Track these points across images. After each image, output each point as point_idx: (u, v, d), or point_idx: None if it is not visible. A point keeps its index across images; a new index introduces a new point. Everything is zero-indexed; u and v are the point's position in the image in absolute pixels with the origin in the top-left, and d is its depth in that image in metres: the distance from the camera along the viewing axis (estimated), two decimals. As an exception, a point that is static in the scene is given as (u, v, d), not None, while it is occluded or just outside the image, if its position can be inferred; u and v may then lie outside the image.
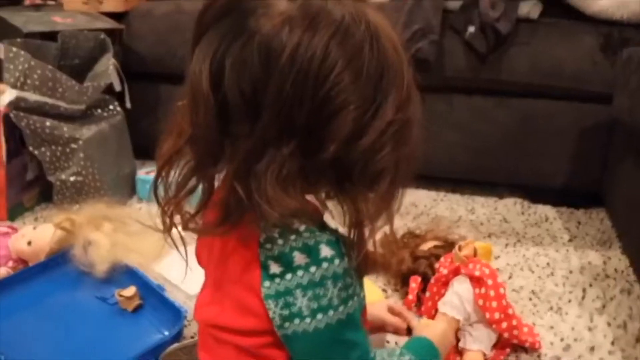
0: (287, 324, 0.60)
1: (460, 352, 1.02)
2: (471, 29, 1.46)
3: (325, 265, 0.58)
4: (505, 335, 1.01)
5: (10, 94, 1.35)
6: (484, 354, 1.01)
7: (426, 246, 1.22)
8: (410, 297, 1.15)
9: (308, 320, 0.59)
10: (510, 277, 1.26)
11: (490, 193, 1.63)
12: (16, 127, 1.41)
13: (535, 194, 1.57)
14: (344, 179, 0.59)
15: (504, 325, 1.00)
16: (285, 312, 0.59)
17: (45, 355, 1.04)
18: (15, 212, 1.54)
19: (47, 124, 1.40)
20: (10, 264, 1.27)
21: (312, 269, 0.58)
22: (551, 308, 1.17)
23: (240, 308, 0.63)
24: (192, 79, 0.56)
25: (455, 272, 1.07)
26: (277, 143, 0.55)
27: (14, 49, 1.34)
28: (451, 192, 1.65)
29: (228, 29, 0.55)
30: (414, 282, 1.16)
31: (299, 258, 0.58)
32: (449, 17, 1.48)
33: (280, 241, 0.59)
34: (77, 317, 1.14)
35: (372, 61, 0.56)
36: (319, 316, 0.59)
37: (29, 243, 1.26)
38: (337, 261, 0.59)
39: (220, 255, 0.66)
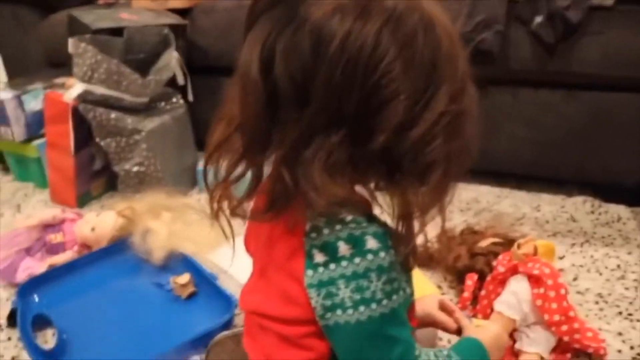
0: (328, 315, 0.59)
1: (516, 353, 0.97)
2: (538, 18, 1.38)
3: (370, 257, 0.57)
4: (566, 338, 0.95)
5: (79, 87, 1.41)
6: (542, 357, 0.96)
7: (484, 243, 1.17)
8: (465, 294, 1.10)
9: (350, 311, 0.58)
10: (575, 279, 1.19)
11: (558, 190, 1.54)
12: (84, 119, 1.48)
13: (606, 192, 1.47)
14: (393, 170, 0.58)
15: (564, 328, 0.94)
16: (328, 302, 0.58)
17: (102, 335, 1.08)
18: (83, 200, 1.61)
19: (112, 115, 1.46)
20: (76, 248, 1.33)
21: (357, 260, 0.57)
22: (620, 313, 1.09)
23: (283, 296, 0.63)
24: (243, 65, 0.56)
25: (513, 271, 1.02)
26: (326, 131, 0.54)
27: (82, 45, 1.40)
28: (516, 188, 1.58)
29: (279, 15, 0.55)
30: (470, 280, 1.12)
31: (343, 248, 0.58)
32: (515, 7, 1.42)
33: (325, 230, 0.58)
34: (134, 301, 1.18)
35: (425, 51, 0.55)
36: (361, 308, 0.58)
37: (93, 229, 1.32)
38: (382, 254, 0.58)
39: (267, 242, 0.66)
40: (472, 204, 1.52)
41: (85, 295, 1.20)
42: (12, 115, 1.60)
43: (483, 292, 1.05)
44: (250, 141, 0.59)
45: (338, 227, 0.58)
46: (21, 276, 1.23)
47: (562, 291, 0.96)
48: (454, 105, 0.56)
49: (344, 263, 0.57)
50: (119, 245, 1.30)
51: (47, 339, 1.10)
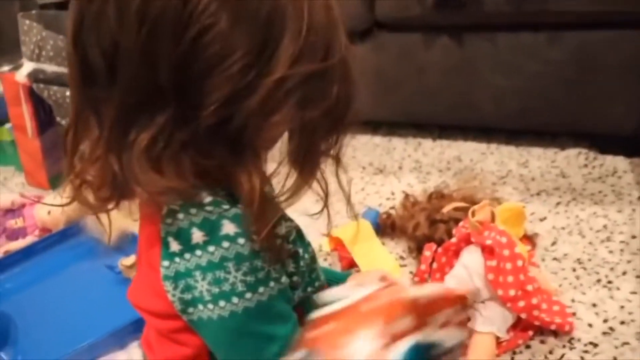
0: (191, 309, 0.53)
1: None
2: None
3: (225, 244, 0.50)
4: (523, 315, 0.85)
5: (28, 66, 1.35)
6: (497, 337, 0.86)
7: (447, 208, 1.06)
8: (422, 267, 1.01)
9: (210, 306, 0.51)
10: (554, 244, 1.07)
11: (551, 144, 1.40)
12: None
13: (603, 143, 1.33)
14: (238, 148, 0.49)
15: (521, 304, 0.84)
16: (188, 296, 0.52)
17: (46, 320, 1.05)
18: (56, 182, 1.57)
19: (67, 93, 1.40)
20: (37, 232, 1.30)
21: (211, 248, 0.50)
22: (599, 281, 0.97)
23: (150, 288, 0.56)
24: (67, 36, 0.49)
25: (467, 241, 0.92)
26: (149, 111, 0.46)
27: (27, 22, 1.33)
28: (504, 144, 1.44)
29: None
30: (429, 250, 1.02)
31: (197, 235, 0.50)
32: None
33: (180, 215, 0.51)
34: (83, 285, 1.15)
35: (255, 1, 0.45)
36: (222, 303, 0.51)
37: (49, 212, 1.28)
38: (241, 240, 0.50)
39: (139, 228, 0.60)
40: (454, 163, 1.40)
41: (38, 279, 1.17)
42: (-17, 99, 1.56)
43: (434, 266, 0.96)
44: (75, 121, 0.52)
45: (193, 210, 0.50)
46: (-20, 263, 1.21)
47: (519, 263, 0.86)
48: (303, 67, 0.47)
49: (198, 252, 0.50)
50: (76, 227, 1.26)
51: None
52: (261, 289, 0.52)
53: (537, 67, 1.29)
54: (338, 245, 1.10)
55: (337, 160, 0.55)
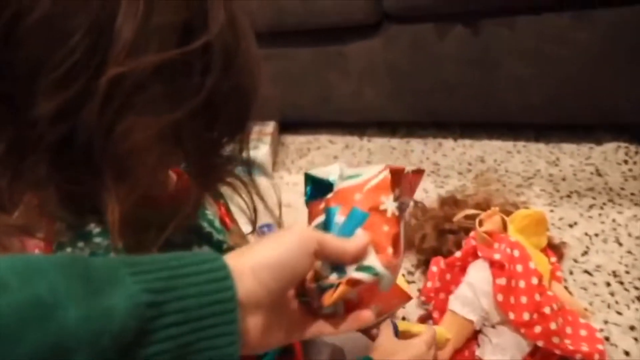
0: None
1: (476, 364, 0.75)
2: None
3: None
4: (540, 343, 0.72)
5: None
6: (510, 369, 0.73)
7: (458, 217, 0.93)
8: (429, 284, 0.88)
9: None
10: (585, 253, 0.93)
11: (585, 139, 1.25)
12: None
13: (646, 135, 1.17)
14: (96, 170, 0.37)
15: (537, 329, 0.71)
16: None
17: None
18: None
19: None
20: None
21: None
22: (638, 298, 0.83)
23: None
24: None
25: (474, 255, 0.79)
26: None
27: None
28: (533, 141, 1.29)
29: None
30: (435, 265, 0.90)
31: None
32: None
33: (68, 249, 0.42)
34: None
35: None
36: None
37: None
38: None
39: None
40: (475, 164, 1.26)
41: None
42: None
43: (438, 284, 0.83)
44: None
45: (81, 244, 0.42)
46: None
47: (535, 280, 0.73)
48: (152, 57, 0.34)
49: None
50: None
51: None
52: None
53: (564, 52, 1.14)
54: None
55: (249, 165, 0.44)
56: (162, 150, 0.38)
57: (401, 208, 0.44)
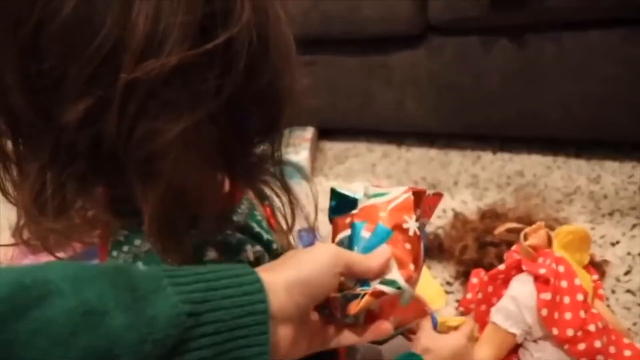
0: None
1: (516, 377, 0.76)
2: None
3: None
4: (583, 360, 0.72)
5: None
6: (552, 385, 0.73)
7: (500, 230, 0.94)
8: (468, 295, 0.89)
9: None
10: (627, 272, 0.92)
11: (628, 157, 1.23)
12: None
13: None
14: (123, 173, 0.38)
15: (581, 347, 0.71)
16: None
17: None
18: None
19: None
20: None
21: None
22: (683, 320, 0.82)
23: None
24: None
25: (518, 269, 0.80)
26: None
27: None
28: (574, 156, 1.29)
29: None
30: (476, 277, 0.90)
31: None
32: None
33: (125, 247, 0.44)
34: None
35: None
36: None
37: None
38: None
39: None
40: (514, 178, 1.26)
41: None
42: None
43: (479, 296, 0.84)
44: None
45: (137, 242, 0.44)
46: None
47: (580, 297, 0.73)
48: (170, 57, 0.34)
49: None
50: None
51: None
52: None
53: (613, 69, 1.13)
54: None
55: (279, 164, 0.45)
56: (189, 153, 0.37)
57: (420, 228, 0.47)
